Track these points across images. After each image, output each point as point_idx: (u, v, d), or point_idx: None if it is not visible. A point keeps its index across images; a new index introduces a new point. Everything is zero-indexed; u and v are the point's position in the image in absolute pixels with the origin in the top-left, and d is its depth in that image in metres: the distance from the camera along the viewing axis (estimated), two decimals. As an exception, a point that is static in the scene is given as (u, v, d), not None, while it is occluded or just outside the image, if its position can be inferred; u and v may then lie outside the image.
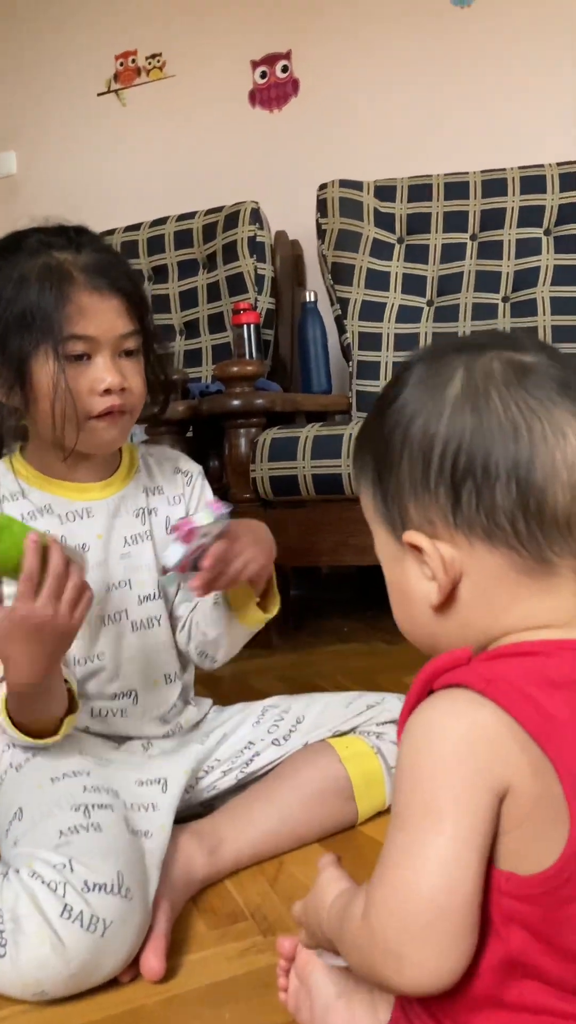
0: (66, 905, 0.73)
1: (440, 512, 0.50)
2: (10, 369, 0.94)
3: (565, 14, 2.41)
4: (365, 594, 2.50)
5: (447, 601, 0.52)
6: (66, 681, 0.91)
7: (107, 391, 0.95)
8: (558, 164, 2.30)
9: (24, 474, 1.03)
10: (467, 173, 2.37)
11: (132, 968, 0.77)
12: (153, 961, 0.77)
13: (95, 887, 0.75)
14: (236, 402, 1.89)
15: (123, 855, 0.80)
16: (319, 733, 1.06)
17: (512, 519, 0.48)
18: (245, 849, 0.95)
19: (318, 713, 1.08)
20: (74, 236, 0.97)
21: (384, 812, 1.05)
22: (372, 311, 2.33)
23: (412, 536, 0.52)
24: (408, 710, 0.49)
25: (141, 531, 1.06)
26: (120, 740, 1.05)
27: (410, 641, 0.57)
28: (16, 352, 0.93)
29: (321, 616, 2.25)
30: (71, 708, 0.93)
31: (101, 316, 0.94)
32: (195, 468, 1.15)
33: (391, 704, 1.09)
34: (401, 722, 0.50)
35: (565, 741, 0.45)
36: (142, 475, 1.10)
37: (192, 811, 1.02)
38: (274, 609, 1.06)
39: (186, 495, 1.11)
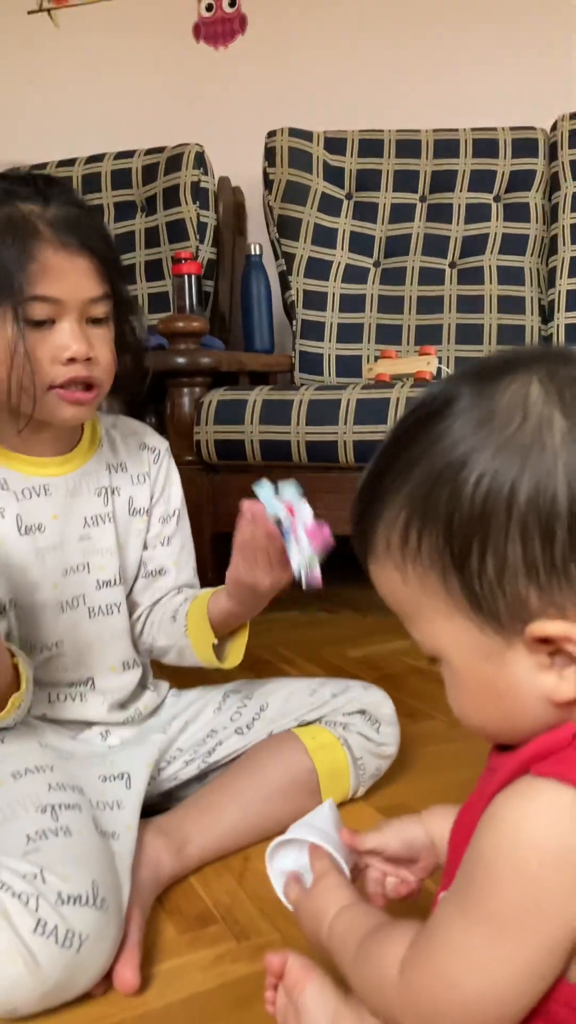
0: (39, 920, 0.69)
1: (573, 593, 0.41)
2: None
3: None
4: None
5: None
6: (13, 656, 0.83)
7: (71, 360, 0.87)
8: (511, 128, 2.27)
9: None
10: (419, 131, 2.31)
11: (105, 980, 0.74)
12: (128, 974, 0.74)
13: (69, 899, 0.71)
14: (181, 360, 1.81)
15: (96, 861, 0.76)
16: (284, 723, 1.03)
17: None
18: (211, 846, 0.92)
19: (282, 701, 1.05)
20: (42, 186, 0.87)
21: (347, 801, 1.03)
22: (318, 268, 2.26)
23: (545, 628, 0.42)
24: (499, 787, 0.44)
25: (103, 512, 1.00)
26: (78, 727, 0.99)
27: (486, 737, 0.49)
28: None
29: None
30: (17, 686, 0.84)
31: (68, 277, 0.85)
32: (162, 445, 1.08)
33: (356, 693, 1.06)
34: (490, 793, 0.44)
35: None
36: (104, 450, 1.03)
37: (151, 801, 0.98)
38: (232, 660, 1.01)
39: (152, 473, 1.05)
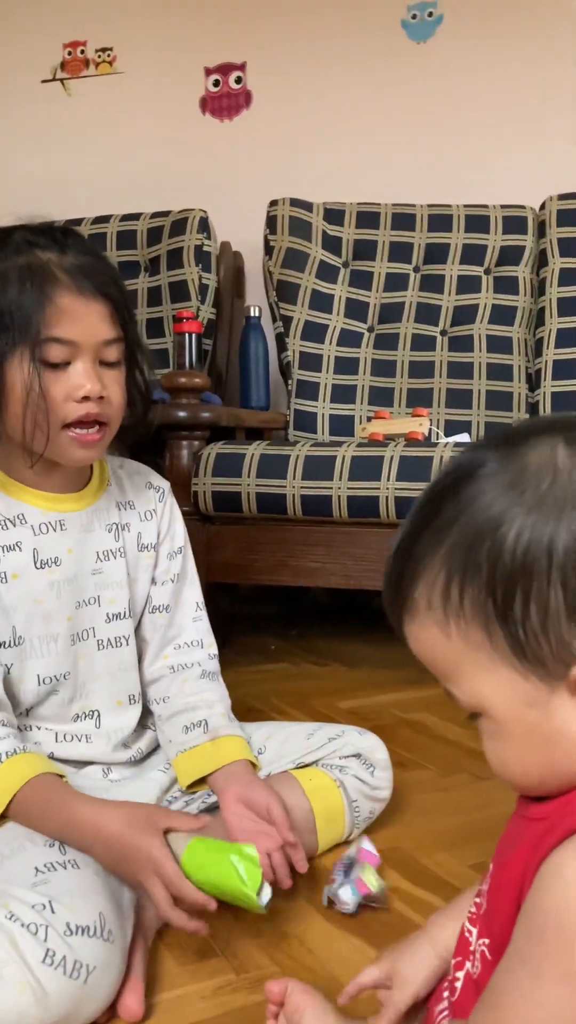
0: (48, 950, 0.70)
1: None
2: None
3: (520, 56, 2.50)
4: (289, 612, 2.51)
5: None
6: (62, 776, 0.89)
7: (85, 398, 0.90)
8: (502, 206, 2.38)
9: None
10: (414, 205, 2.42)
11: (109, 1010, 0.75)
12: (133, 1003, 0.75)
13: (78, 930, 0.73)
14: (182, 413, 1.87)
15: (103, 894, 0.77)
16: (281, 764, 1.05)
17: None
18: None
19: (280, 744, 1.08)
20: (60, 236, 0.93)
21: (341, 844, 1.06)
22: (314, 332, 2.34)
23: None
24: (557, 841, 0.44)
25: (114, 547, 1.04)
26: (81, 765, 1.01)
27: (526, 789, 0.50)
28: None
29: (244, 633, 2.24)
30: None
31: (83, 320, 0.90)
32: (165, 485, 1.13)
33: (351, 738, 1.09)
34: (545, 849, 0.45)
35: None
36: (114, 488, 1.07)
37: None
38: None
39: (158, 511, 1.10)
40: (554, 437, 0.47)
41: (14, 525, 0.97)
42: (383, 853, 1.04)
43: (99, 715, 1.02)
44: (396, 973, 0.64)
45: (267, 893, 0.78)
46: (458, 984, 0.55)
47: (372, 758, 1.08)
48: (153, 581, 1.09)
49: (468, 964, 0.55)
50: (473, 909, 0.57)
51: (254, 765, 1.01)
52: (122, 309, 0.94)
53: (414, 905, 0.95)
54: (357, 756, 1.07)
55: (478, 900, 0.56)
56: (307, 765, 1.06)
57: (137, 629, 1.08)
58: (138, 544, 1.07)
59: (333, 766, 1.06)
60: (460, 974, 0.55)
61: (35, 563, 0.97)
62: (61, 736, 1.00)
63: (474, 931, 0.55)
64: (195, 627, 1.11)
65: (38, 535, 0.98)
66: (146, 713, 1.08)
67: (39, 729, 0.99)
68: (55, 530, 0.99)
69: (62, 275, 0.89)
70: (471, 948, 0.55)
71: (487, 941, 0.52)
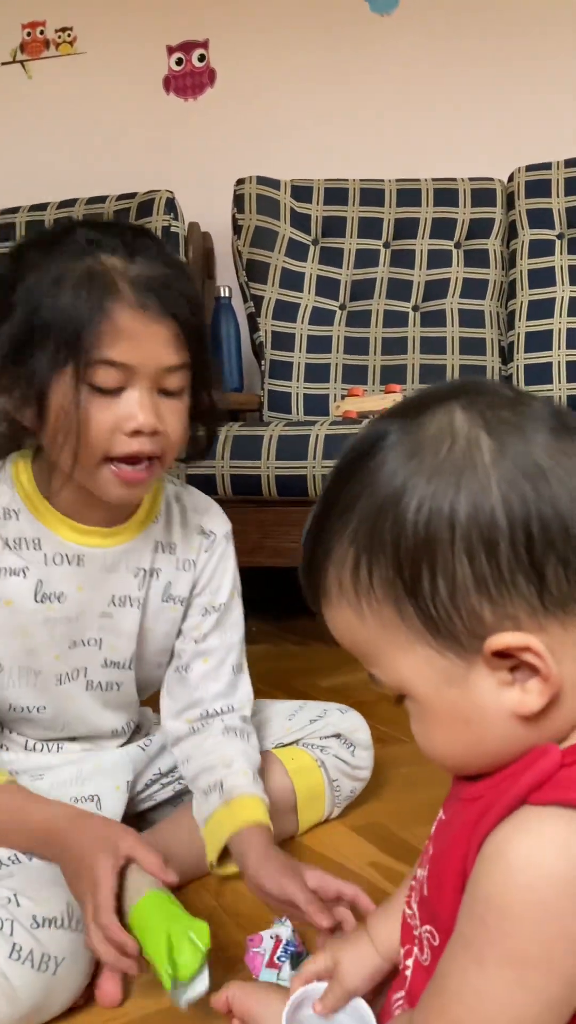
0: (15, 945, 0.70)
1: (523, 602, 0.42)
2: (27, 383, 0.79)
3: (486, 27, 2.48)
4: (271, 593, 2.50)
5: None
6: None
7: (136, 432, 0.79)
8: (471, 179, 2.37)
9: (26, 490, 0.89)
10: (383, 181, 2.40)
11: (86, 991, 0.75)
12: (109, 987, 0.75)
13: (45, 922, 0.72)
14: (153, 397, 1.85)
15: (71, 882, 0.77)
16: (262, 744, 1.04)
17: None
18: (191, 864, 0.93)
19: (260, 725, 1.07)
20: (130, 238, 0.81)
21: (321, 823, 1.05)
22: (286, 311, 2.32)
23: (504, 639, 0.42)
24: (496, 820, 0.42)
25: (134, 595, 0.93)
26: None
27: (454, 769, 0.49)
28: (34, 366, 0.78)
29: (225, 615, 2.23)
30: None
31: (143, 342, 0.78)
32: (221, 529, 1.00)
33: (333, 718, 1.09)
34: (484, 829, 0.43)
35: None
36: (158, 526, 0.95)
37: (126, 821, 0.99)
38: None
39: (199, 562, 0.97)
40: (452, 403, 0.45)
41: (26, 548, 0.89)
42: (363, 828, 1.04)
43: (77, 740, 0.99)
44: (338, 964, 0.63)
45: (196, 989, 0.68)
46: (408, 972, 0.54)
47: (353, 738, 1.08)
48: (181, 634, 0.99)
49: (416, 951, 0.54)
50: (408, 892, 0.56)
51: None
52: (191, 331, 0.82)
53: (393, 879, 0.95)
54: (338, 736, 1.07)
55: (414, 884, 0.55)
56: (287, 745, 1.06)
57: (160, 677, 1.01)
58: (164, 594, 0.96)
59: (314, 746, 1.05)
60: (409, 961, 0.54)
61: (35, 595, 0.89)
62: (30, 745, 0.97)
63: (414, 913, 0.54)
64: (228, 692, 1.00)
65: (48, 565, 0.89)
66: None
67: (10, 732, 0.97)
68: (70, 563, 0.89)
69: (125, 287, 0.77)
70: (415, 934, 0.54)
71: (430, 928, 0.51)
